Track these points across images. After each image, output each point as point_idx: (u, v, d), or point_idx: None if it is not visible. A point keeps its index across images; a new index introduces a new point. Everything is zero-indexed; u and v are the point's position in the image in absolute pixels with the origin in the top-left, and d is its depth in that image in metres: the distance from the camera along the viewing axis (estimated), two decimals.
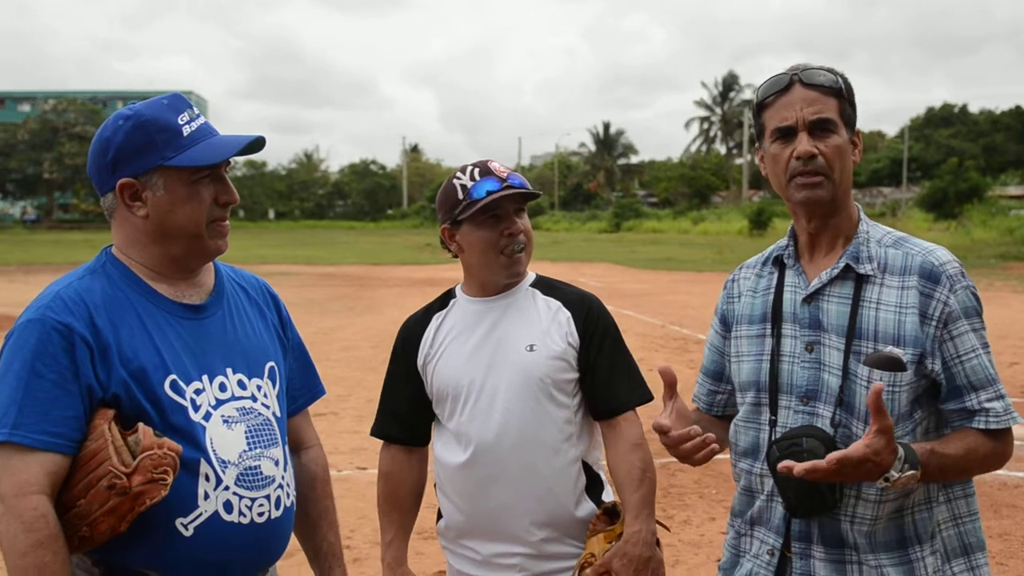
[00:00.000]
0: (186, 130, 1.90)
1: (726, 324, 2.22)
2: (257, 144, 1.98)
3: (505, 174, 2.35)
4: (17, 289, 20.48)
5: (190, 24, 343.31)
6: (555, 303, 2.41)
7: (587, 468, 2.40)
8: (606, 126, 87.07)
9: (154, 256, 1.95)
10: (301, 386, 2.26)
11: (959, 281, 1.91)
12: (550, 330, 2.37)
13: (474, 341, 2.39)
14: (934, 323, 1.89)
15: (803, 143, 1.95)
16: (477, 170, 2.35)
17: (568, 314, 2.39)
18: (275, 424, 2.03)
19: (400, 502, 2.50)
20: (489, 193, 2.30)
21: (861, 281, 1.96)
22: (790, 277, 2.07)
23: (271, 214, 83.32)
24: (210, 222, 1.94)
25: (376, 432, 2.55)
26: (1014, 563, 4.96)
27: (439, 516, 2.52)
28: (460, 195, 2.34)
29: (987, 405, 1.90)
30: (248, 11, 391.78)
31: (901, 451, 1.79)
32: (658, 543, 2.32)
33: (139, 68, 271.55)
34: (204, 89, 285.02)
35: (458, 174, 2.39)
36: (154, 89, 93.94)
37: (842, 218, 2.02)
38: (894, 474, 1.78)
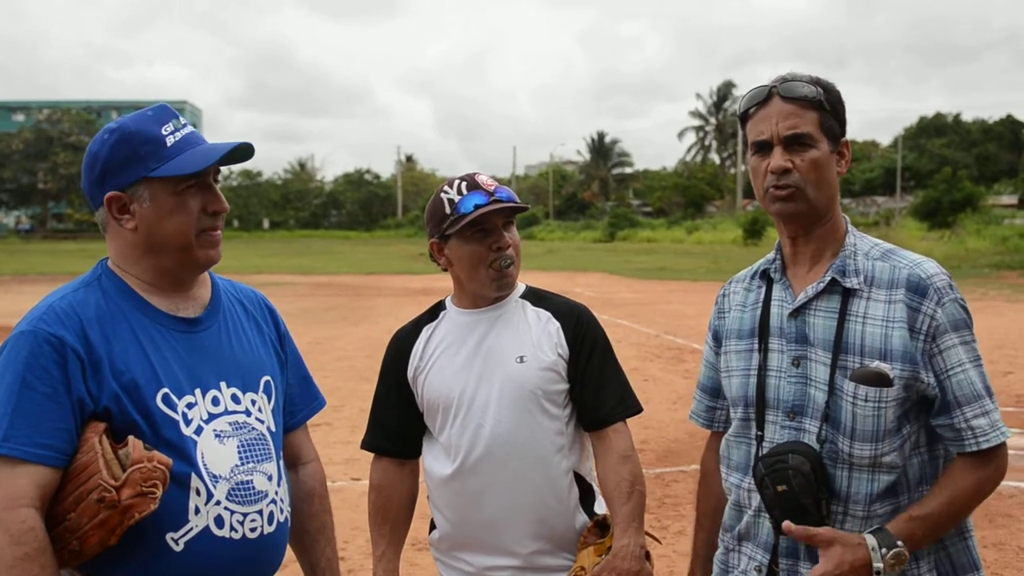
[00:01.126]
0: (170, 140, 1.89)
1: (718, 339, 2.21)
2: (245, 152, 1.97)
3: (492, 187, 2.33)
4: (11, 299, 20.44)
5: (184, 32, 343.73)
6: (545, 314, 2.41)
7: (579, 479, 2.39)
8: (601, 136, 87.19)
9: (146, 269, 1.94)
10: (300, 400, 2.25)
11: (947, 294, 1.89)
12: (540, 341, 2.36)
13: (464, 353, 2.38)
14: (922, 337, 1.87)
15: (776, 158, 1.93)
16: (464, 184, 2.34)
17: (557, 324, 2.38)
18: (269, 439, 2.02)
19: (391, 515, 2.49)
20: (477, 207, 2.29)
21: (848, 295, 1.94)
22: (777, 291, 2.05)
23: (265, 223, 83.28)
24: (200, 232, 1.92)
25: (367, 445, 2.54)
26: (1009, 572, 4.96)
27: (431, 527, 2.51)
28: (448, 209, 2.33)
29: (973, 423, 1.87)
30: (243, 20, 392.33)
31: (871, 540, 1.82)
32: (648, 556, 2.30)
33: (133, 77, 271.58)
34: (199, 98, 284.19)
35: (445, 188, 2.37)
36: (149, 98, 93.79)
37: (827, 230, 2.00)
38: (879, 566, 1.80)
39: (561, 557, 2.36)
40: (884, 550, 1.80)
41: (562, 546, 2.36)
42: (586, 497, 2.40)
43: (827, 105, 1.96)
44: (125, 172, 1.88)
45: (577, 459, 2.39)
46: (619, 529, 2.26)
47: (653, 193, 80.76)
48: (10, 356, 1.78)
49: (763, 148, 1.97)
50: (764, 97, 1.97)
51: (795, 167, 1.92)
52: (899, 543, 1.82)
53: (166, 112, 1.94)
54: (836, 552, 1.82)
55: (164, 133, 1.89)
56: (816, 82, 1.97)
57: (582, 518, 2.38)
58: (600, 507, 2.42)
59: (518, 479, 2.32)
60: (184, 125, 1.94)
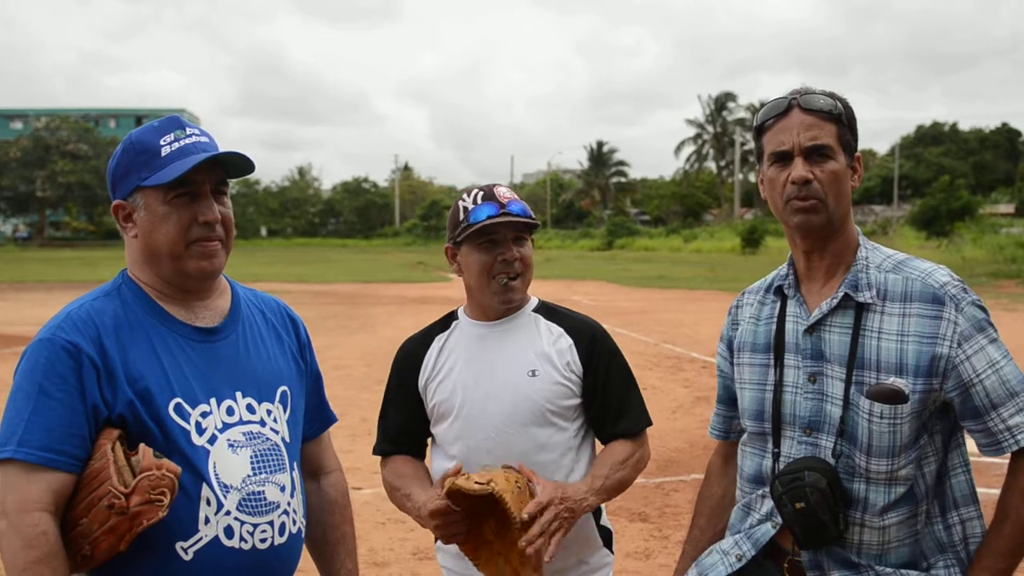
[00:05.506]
0: (165, 150, 1.91)
1: (731, 350, 2.22)
2: (242, 164, 1.96)
3: (507, 200, 2.36)
4: (8, 307, 20.39)
5: (179, 39, 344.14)
6: (557, 329, 2.42)
7: None
8: (599, 144, 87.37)
9: (152, 277, 1.97)
10: (316, 411, 2.25)
11: (964, 298, 1.92)
12: (551, 356, 2.38)
13: (475, 365, 2.40)
14: (947, 344, 1.88)
15: (798, 168, 1.94)
16: (481, 194, 2.38)
17: (570, 341, 2.40)
18: (283, 449, 2.02)
19: (408, 475, 2.42)
20: (490, 217, 2.32)
21: (861, 309, 1.95)
22: (791, 307, 2.06)
23: (263, 231, 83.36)
24: (192, 242, 1.93)
25: (376, 451, 2.54)
26: None
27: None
28: (461, 216, 2.38)
29: (1010, 422, 1.88)
30: (238, 26, 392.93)
31: None
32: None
33: (127, 83, 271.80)
34: (195, 105, 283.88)
35: (464, 196, 2.43)
36: (146, 106, 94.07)
37: (840, 244, 2.01)
38: None
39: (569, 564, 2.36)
40: None
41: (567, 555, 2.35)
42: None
43: (844, 119, 1.98)
44: (125, 182, 1.94)
45: (584, 471, 2.39)
46: (585, 482, 2.26)
47: (651, 202, 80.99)
48: (29, 363, 1.82)
49: (783, 159, 1.98)
50: (784, 109, 1.98)
51: (816, 178, 1.94)
52: None
53: (172, 123, 1.96)
54: None
55: (161, 143, 1.92)
56: (833, 96, 1.99)
57: (589, 527, 2.38)
58: (605, 520, 2.44)
59: None
60: (189, 135, 1.94)
